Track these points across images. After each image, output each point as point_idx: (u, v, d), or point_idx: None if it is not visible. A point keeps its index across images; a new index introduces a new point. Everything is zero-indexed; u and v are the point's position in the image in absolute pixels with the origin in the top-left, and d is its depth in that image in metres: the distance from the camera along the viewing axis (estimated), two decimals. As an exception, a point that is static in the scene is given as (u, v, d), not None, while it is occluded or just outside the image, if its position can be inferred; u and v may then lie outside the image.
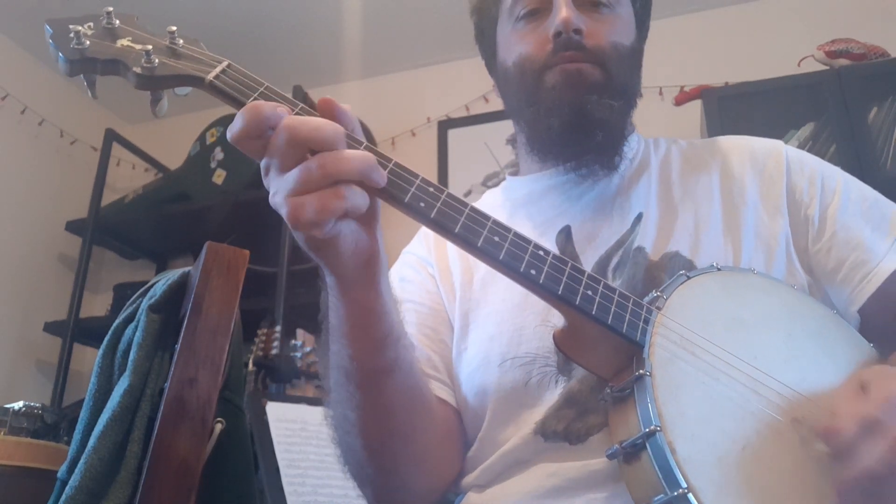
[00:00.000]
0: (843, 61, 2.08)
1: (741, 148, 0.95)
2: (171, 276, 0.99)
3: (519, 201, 0.99)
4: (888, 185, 1.76)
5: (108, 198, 2.80)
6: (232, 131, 0.60)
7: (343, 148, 0.60)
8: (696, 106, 2.23)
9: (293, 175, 0.59)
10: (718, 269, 0.78)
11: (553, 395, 0.79)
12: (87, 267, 2.65)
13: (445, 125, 2.74)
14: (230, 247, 0.94)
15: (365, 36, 2.75)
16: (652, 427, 0.61)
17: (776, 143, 0.95)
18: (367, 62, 2.87)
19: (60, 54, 0.67)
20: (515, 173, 1.05)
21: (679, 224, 0.87)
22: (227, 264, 0.93)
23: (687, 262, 0.83)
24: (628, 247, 0.86)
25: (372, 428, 0.76)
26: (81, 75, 0.69)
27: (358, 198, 0.60)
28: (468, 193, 2.57)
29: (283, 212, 0.59)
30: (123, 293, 2.64)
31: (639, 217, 0.88)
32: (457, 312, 0.91)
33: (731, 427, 0.65)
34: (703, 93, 2.16)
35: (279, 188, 0.60)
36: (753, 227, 0.86)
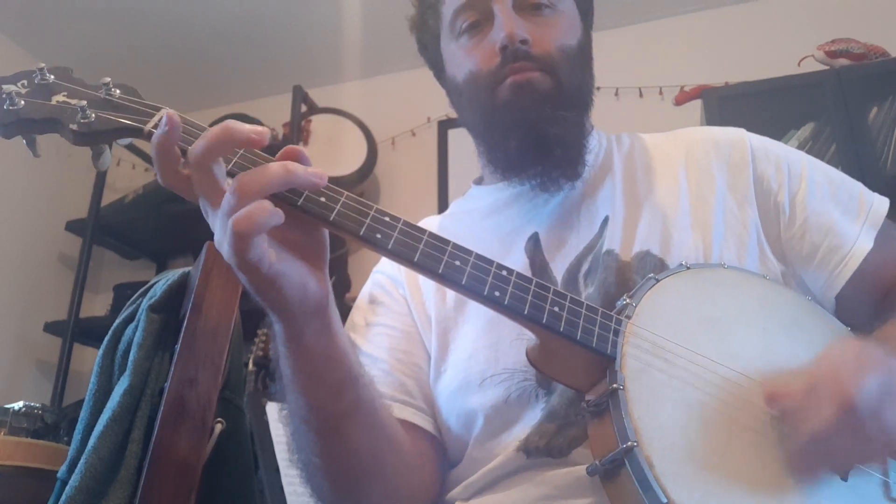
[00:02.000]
0: (843, 61, 2.08)
1: (704, 139, 0.94)
2: (171, 276, 0.99)
3: (485, 210, 0.97)
4: (888, 184, 1.76)
5: (108, 198, 2.80)
6: (161, 180, 0.61)
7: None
8: (696, 106, 2.23)
9: (223, 203, 0.58)
10: (688, 268, 0.77)
11: (535, 410, 0.78)
12: (87, 267, 2.65)
13: (445, 125, 2.74)
14: (230, 247, 0.94)
15: (365, 36, 2.75)
16: (629, 443, 0.60)
17: (739, 132, 0.94)
18: (367, 62, 2.87)
19: None
20: (480, 181, 1.04)
21: (647, 222, 0.86)
22: (227, 264, 0.92)
23: (658, 260, 0.82)
24: (598, 252, 0.85)
25: (338, 471, 0.75)
26: (20, 136, 0.67)
27: (263, 211, 0.58)
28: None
29: (224, 249, 0.59)
30: (123, 293, 2.64)
31: (605, 220, 0.87)
32: (433, 333, 0.89)
33: (710, 433, 0.64)
34: (703, 93, 2.17)
35: (218, 223, 0.60)
36: (723, 219, 0.85)
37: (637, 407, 0.63)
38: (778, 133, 2.02)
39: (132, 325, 0.97)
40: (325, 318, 0.67)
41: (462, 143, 2.71)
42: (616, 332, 0.68)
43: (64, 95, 0.67)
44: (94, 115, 0.65)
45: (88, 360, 2.73)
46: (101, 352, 0.98)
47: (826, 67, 2.09)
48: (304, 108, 2.69)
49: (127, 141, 0.68)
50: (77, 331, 2.57)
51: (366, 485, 0.76)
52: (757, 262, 0.84)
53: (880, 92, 2.00)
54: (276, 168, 0.59)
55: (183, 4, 2.60)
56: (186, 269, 0.99)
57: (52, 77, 0.68)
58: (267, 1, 2.60)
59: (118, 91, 0.67)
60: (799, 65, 2.13)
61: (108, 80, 0.67)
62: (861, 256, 0.83)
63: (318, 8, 2.64)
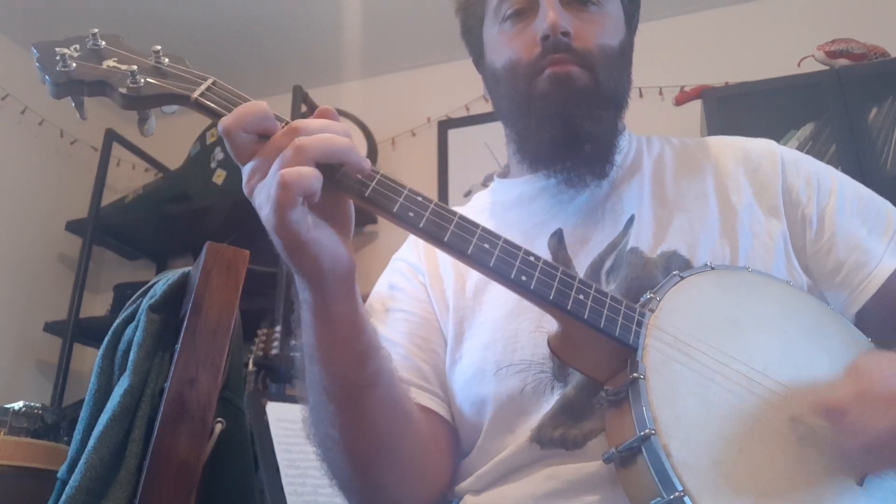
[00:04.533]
0: (843, 61, 2.07)
1: (735, 148, 0.95)
2: (171, 276, 0.99)
3: (508, 204, 0.98)
4: (888, 185, 1.76)
5: (108, 198, 2.80)
6: (226, 121, 0.62)
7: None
8: (696, 106, 2.23)
9: (279, 159, 0.60)
10: (712, 269, 0.77)
11: (549, 402, 0.78)
12: (87, 267, 2.65)
13: (445, 125, 2.74)
14: (230, 247, 0.94)
15: (365, 36, 2.74)
16: (647, 431, 0.61)
17: (770, 144, 0.95)
18: (367, 62, 2.87)
19: (47, 77, 0.67)
20: (504, 175, 1.04)
21: (675, 225, 0.86)
22: (227, 264, 0.93)
23: (685, 261, 0.82)
24: (621, 249, 0.85)
25: (356, 444, 0.75)
26: (69, 97, 0.69)
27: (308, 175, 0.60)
28: (468, 193, 2.57)
29: (266, 211, 0.60)
30: (123, 293, 2.64)
31: (631, 219, 0.88)
32: (450, 321, 0.89)
33: (727, 428, 0.65)
34: (703, 93, 2.17)
35: (264, 185, 0.61)
36: (750, 227, 0.86)
37: (656, 397, 0.63)
38: (778, 133, 2.02)
39: (132, 325, 0.97)
40: (352, 286, 0.68)
41: (462, 143, 2.71)
42: (639, 324, 0.69)
43: (114, 61, 0.69)
44: (143, 80, 0.67)
45: (88, 360, 2.73)
46: (101, 352, 0.98)
47: (826, 67, 2.09)
48: (304, 109, 2.69)
49: (173, 108, 0.69)
50: (77, 331, 2.57)
51: (381, 461, 0.77)
52: (784, 273, 0.84)
53: (880, 92, 2.00)
54: (339, 140, 0.62)
55: (183, 5, 2.60)
56: (186, 269, 0.99)
57: (104, 43, 0.71)
58: (267, 1, 2.60)
59: (167, 59, 0.70)
60: (799, 65, 2.13)
61: (159, 48, 0.70)
62: (885, 275, 0.83)
63: (318, 8, 2.63)
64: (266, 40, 2.78)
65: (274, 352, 1.95)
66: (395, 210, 0.64)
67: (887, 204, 0.91)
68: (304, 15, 2.67)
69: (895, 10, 2.33)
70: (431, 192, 2.63)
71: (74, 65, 0.67)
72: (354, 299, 0.69)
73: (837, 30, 2.19)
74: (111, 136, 2.78)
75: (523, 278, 0.66)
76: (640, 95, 2.42)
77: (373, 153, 2.65)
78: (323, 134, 0.62)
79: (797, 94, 2.06)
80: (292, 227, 0.60)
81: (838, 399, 0.66)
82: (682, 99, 2.30)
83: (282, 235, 0.61)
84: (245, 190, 0.64)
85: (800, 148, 1.94)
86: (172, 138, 2.68)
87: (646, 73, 2.56)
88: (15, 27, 2.71)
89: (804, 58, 2.14)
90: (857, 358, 0.73)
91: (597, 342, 0.68)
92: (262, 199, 0.61)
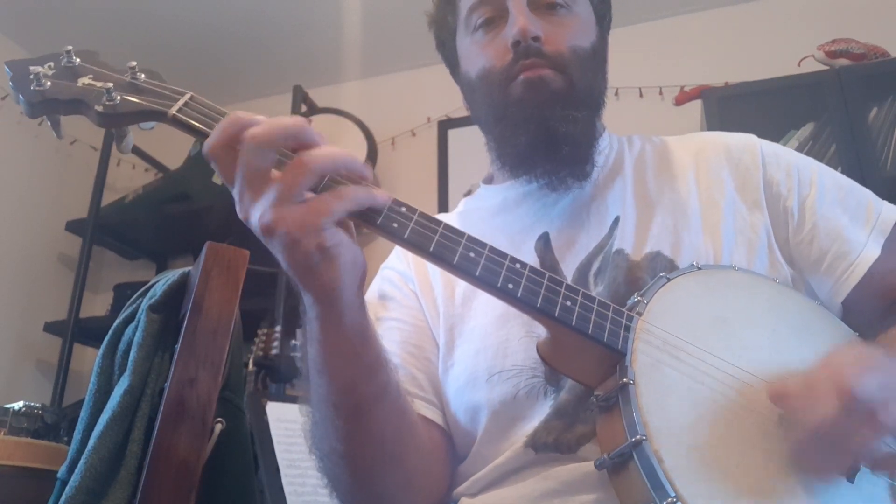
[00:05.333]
0: (843, 61, 2.08)
1: (715, 144, 0.95)
2: (171, 276, 0.99)
3: (494, 210, 0.98)
4: (888, 185, 1.76)
5: (108, 198, 2.80)
6: (208, 142, 0.61)
7: (311, 136, 0.60)
8: (696, 106, 2.23)
9: (278, 185, 0.58)
10: (699, 269, 0.77)
11: (543, 407, 0.78)
12: (87, 267, 2.65)
13: (445, 125, 2.74)
14: (230, 247, 0.94)
15: (365, 36, 2.75)
16: (638, 437, 0.60)
17: (750, 138, 0.95)
18: (367, 62, 2.87)
19: (21, 96, 0.66)
20: (489, 181, 1.04)
21: (658, 223, 0.86)
22: (227, 264, 0.93)
23: (668, 261, 0.82)
24: (608, 251, 0.85)
25: (362, 458, 0.75)
26: (45, 116, 0.68)
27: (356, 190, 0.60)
28: (468, 193, 2.56)
29: (283, 228, 0.58)
30: (123, 293, 2.64)
31: (616, 220, 0.88)
32: (441, 328, 0.89)
33: (718, 431, 0.64)
34: (703, 93, 2.17)
35: (265, 205, 0.59)
36: (733, 222, 0.86)
37: (647, 402, 0.63)
38: (778, 133, 2.02)
39: (132, 325, 0.97)
40: (363, 294, 0.67)
41: (462, 143, 2.71)
42: (627, 328, 0.68)
43: (90, 78, 0.68)
44: (119, 97, 0.66)
45: (88, 360, 2.73)
46: (101, 352, 0.98)
47: (826, 67, 2.09)
48: (303, 109, 2.69)
49: (151, 125, 0.68)
50: (77, 331, 2.57)
51: (386, 473, 0.77)
52: (767, 266, 0.84)
53: (880, 92, 2.00)
54: (342, 153, 0.61)
55: (183, 5, 2.60)
56: (186, 269, 0.99)
57: (79, 60, 0.69)
58: (267, 1, 2.60)
59: (143, 75, 0.69)
60: (799, 65, 2.13)
61: (134, 63, 0.69)
62: (868, 264, 0.83)
63: (318, 8, 2.64)
64: (266, 40, 2.78)
65: (274, 352, 1.95)
66: (378, 222, 0.63)
67: (868, 193, 0.91)
68: (304, 15, 2.67)
69: (895, 10, 2.33)
70: (431, 193, 2.64)
71: (49, 83, 0.66)
72: (364, 308, 0.68)
73: (837, 30, 2.20)
74: (111, 136, 2.78)
75: (510, 286, 0.65)
76: (640, 95, 2.42)
77: (373, 153, 2.65)
78: (326, 149, 0.60)
79: (797, 94, 2.06)
80: (321, 239, 0.59)
81: (786, 386, 0.66)
82: (682, 99, 2.30)
83: (305, 249, 0.60)
84: (240, 214, 0.62)
85: (800, 148, 1.94)
86: (172, 138, 2.67)
87: (646, 73, 2.57)
88: (15, 27, 2.71)
89: (804, 58, 2.14)
90: (831, 349, 0.73)
91: (586, 348, 0.68)
92: (271, 218, 0.59)
